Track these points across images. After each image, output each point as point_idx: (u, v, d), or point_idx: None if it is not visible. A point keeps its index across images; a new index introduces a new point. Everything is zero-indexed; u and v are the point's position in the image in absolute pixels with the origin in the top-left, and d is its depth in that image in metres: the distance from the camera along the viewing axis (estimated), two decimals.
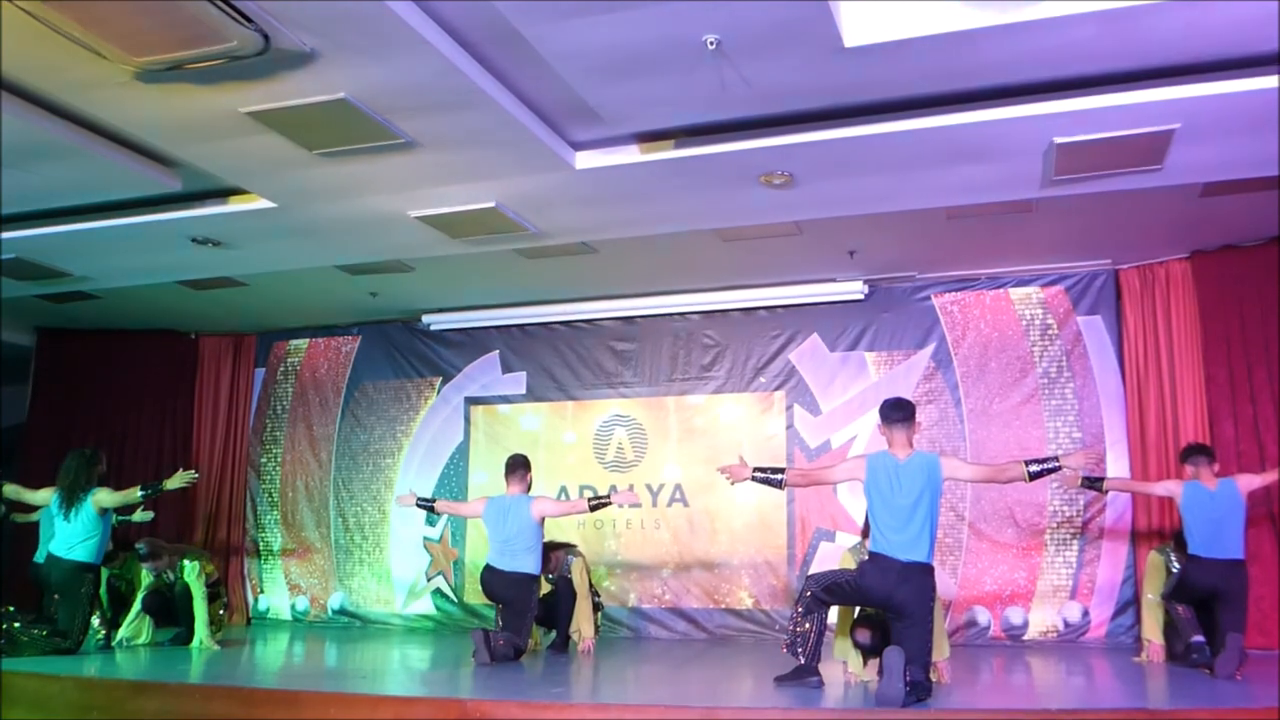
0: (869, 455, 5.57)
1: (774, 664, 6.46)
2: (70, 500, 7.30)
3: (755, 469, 5.80)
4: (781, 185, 6.44)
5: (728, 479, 5.91)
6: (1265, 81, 5.12)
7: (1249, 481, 6.78)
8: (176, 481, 7.48)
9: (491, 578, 7.16)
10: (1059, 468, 5.45)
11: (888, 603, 5.35)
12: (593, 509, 7.44)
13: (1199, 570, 6.55)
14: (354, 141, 5.78)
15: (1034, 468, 5.37)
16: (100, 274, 8.47)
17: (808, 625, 5.48)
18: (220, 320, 10.42)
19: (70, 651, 7.02)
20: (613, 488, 9.09)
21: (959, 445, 8.52)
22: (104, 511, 7.39)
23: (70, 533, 7.27)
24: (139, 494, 7.45)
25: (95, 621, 7.43)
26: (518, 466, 7.42)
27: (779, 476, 5.83)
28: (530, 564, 7.13)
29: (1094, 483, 7.14)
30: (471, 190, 6.64)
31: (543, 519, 7.25)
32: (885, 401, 5.65)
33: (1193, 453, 6.90)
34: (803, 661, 5.48)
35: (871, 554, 5.40)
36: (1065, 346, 8.48)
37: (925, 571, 5.28)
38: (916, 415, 5.61)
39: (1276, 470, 6.94)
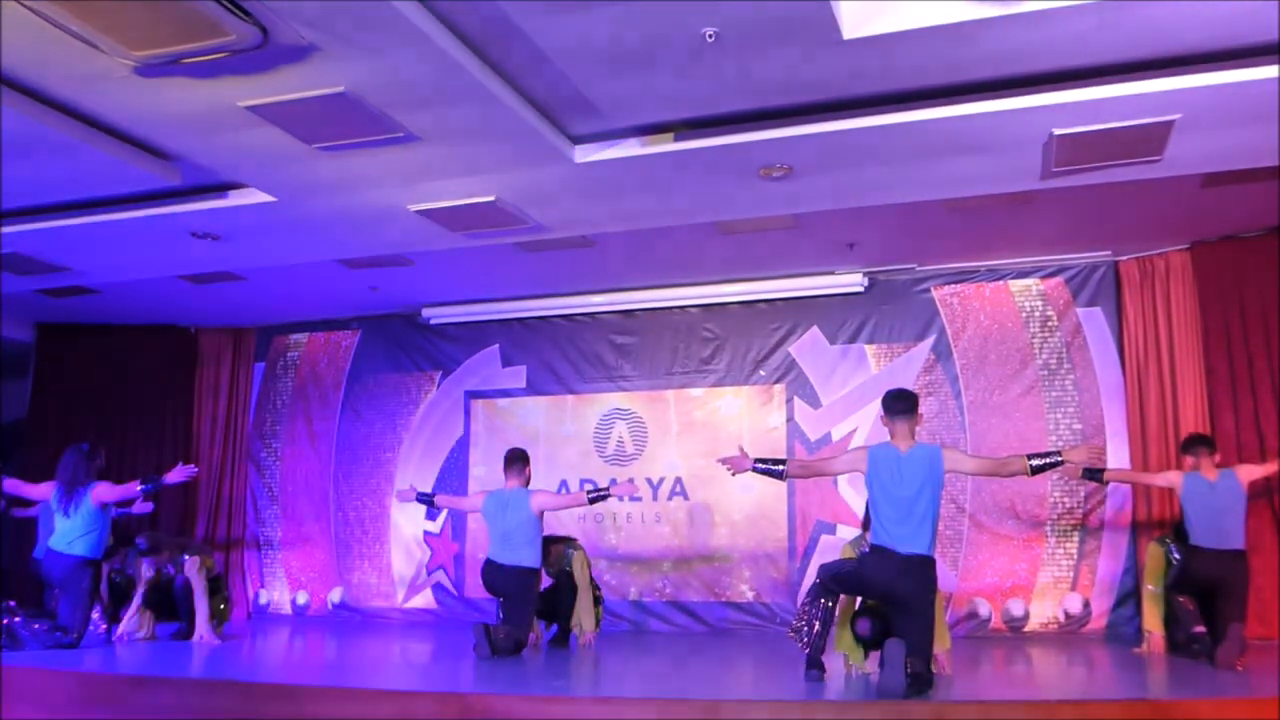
0: (871, 447, 5.55)
1: (775, 656, 6.49)
2: (69, 495, 7.30)
3: (757, 460, 5.78)
4: (781, 177, 6.44)
5: (729, 470, 5.89)
6: (1265, 71, 5.11)
7: (1249, 472, 6.77)
8: (176, 476, 7.49)
9: (492, 572, 7.17)
10: (1061, 462, 5.40)
11: (888, 594, 5.35)
12: (592, 502, 7.48)
13: (1200, 561, 6.56)
14: (353, 135, 5.77)
15: (1036, 462, 5.34)
16: (99, 268, 8.46)
17: (813, 614, 5.49)
18: (220, 315, 10.41)
19: (72, 646, 7.02)
20: (612, 480, 9.10)
21: (959, 437, 8.52)
22: (103, 506, 7.39)
23: (70, 528, 7.27)
24: (139, 489, 7.45)
25: (96, 616, 7.43)
26: (516, 460, 7.43)
27: (780, 468, 5.83)
28: (530, 557, 7.14)
29: (1094, 474, 7.12)
30: (471, 184, 6.63)
31: (542, 512, 7.26)
32: (888, 393, 5.62)
33: (1193, 444, 6.90)
34: (807, 650, 5.48)
35: (873, 546, 5.39)
36: (1065, 338, 8.48)
37: (926, 564, 5.26)
38: (919, 407, 5.59)
39: (1277, 461, 6.95)
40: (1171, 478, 6.91)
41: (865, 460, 5.46)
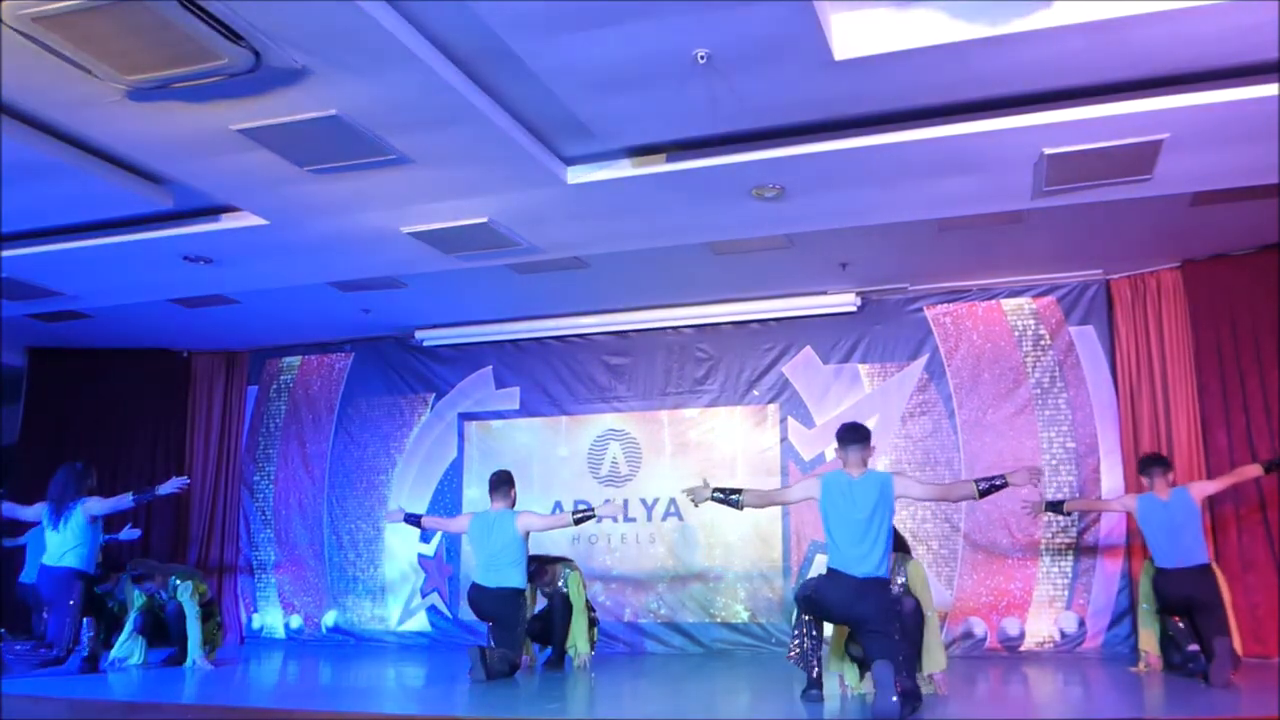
0: (823, 474, 5.73)
1: (771, 677, 6.46)
2: (60, 510, 7.26)
3: (715, 490, 5.96)
4: (773, 198, 6.46)
5: (690, 500, 6.07)
6: (1253, 91, 5.15)
7: (1202, 488, 6.81)
8: (169, 487, 7.46)
9: (479, 595, 7.15)
10: (1005, 484, 5.53)
11: (847, 617, 5.46)
12: (577, 522, 7.44)
13: (1167, 582, 6.58)
14: (346, 158, 5.78)
15: (983, 485, 5.52)
16: (91, 293, 8.45)
17: (798, 635, 5.63)
18: (212, 338, 10.40)
19: (59, 661, 6.94)
20: (606, 501, 9.08)
21: (953, 457, 8.52)
22: (94, 519, 7.36)
23: (60, 541, 7.24)
24: (130, 499, 7.41)
25: (86, 637, 7.35)
26: (502, 483, 7.43)
27: (736, 497, 5.97)
28: (516, 578, 7.11)
29: (1056, 506, 7.30)
30: (464, 206, 6.64)
31: (528, 533, 7.25)
32: (842, 425, 5.79)
33: (1147, 464, 6.93)
34: (806, 673, 5.55)
35: (829, 569, 5.48)
36: (1058, 357, 8.49)
37: (882, 585, 5.38)
38: (871, 439, 5.70)
39: (1229, 476, 6.94)
40: (1126, 501, 7.03)
41: (818, 487, 5.61)
